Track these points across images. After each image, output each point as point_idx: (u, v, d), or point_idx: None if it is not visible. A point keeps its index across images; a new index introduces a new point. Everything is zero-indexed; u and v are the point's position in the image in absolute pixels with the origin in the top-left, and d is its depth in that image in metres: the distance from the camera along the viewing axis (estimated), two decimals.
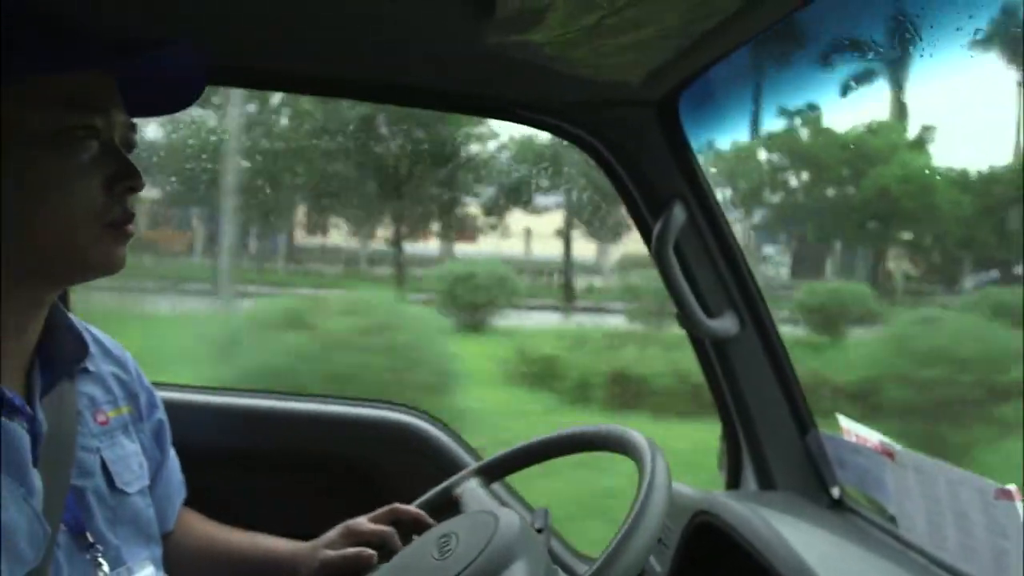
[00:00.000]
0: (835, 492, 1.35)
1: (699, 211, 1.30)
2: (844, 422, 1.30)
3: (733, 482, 1.47)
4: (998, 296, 8.19)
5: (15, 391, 0.81)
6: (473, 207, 10.26)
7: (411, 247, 10.19)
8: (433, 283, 8.65)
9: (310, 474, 1.49)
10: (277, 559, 1.08)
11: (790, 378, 1.37)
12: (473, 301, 8.02)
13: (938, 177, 10.40)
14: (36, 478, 0.80)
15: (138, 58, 0.83)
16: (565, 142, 1.31)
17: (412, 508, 1.08)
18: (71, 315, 0.92)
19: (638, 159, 1.29)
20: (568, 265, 10.53)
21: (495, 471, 1.11)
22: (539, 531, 0.96)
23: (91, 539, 0.87)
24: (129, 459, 0.96)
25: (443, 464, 1.49)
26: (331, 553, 1.04)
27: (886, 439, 1.20)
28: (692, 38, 1.01)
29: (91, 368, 0.96)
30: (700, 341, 1.40)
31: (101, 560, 0.86)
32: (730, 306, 1.34)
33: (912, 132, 10.36)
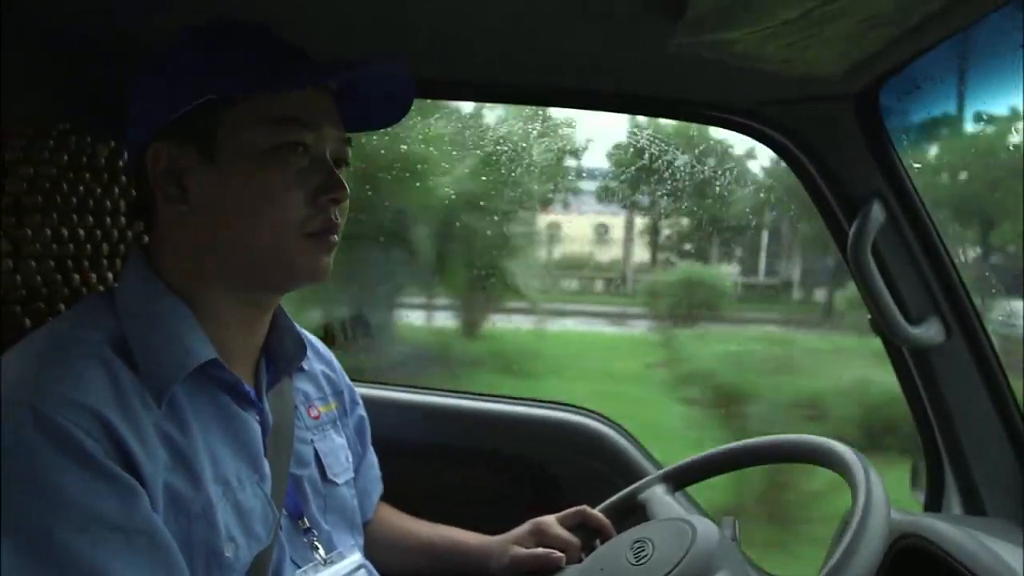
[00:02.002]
0: None
1: (900, 210, 1.21)
2: None
3: (933, 505, 1.36)
4: None
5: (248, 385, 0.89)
6: None
7: None
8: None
9: (492, 471, 1.53)
10: (467, 552, 1.12)
11: (1005, 392, 1.24)
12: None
13: None
14: (266, 466, 0.87)
15: (349, 75, 0.87)
16: None
17: (599, 515, 1.08)
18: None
19: (832, 156, 1.22)
20: None
21: (682, 478, 1.08)
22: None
23: (307, 524, 0.93)
24: (338, 452, 1.02)
25: (620, 467, 1.49)
26: (521, 550, 1.07)
27: None
28: (903, 27, 0.93)
29: (305, 367, 1.03)
30: (898, 349, 1.31)
31: (317, 543, 0.93)
32: (935, 312, 1.24)
33: None
